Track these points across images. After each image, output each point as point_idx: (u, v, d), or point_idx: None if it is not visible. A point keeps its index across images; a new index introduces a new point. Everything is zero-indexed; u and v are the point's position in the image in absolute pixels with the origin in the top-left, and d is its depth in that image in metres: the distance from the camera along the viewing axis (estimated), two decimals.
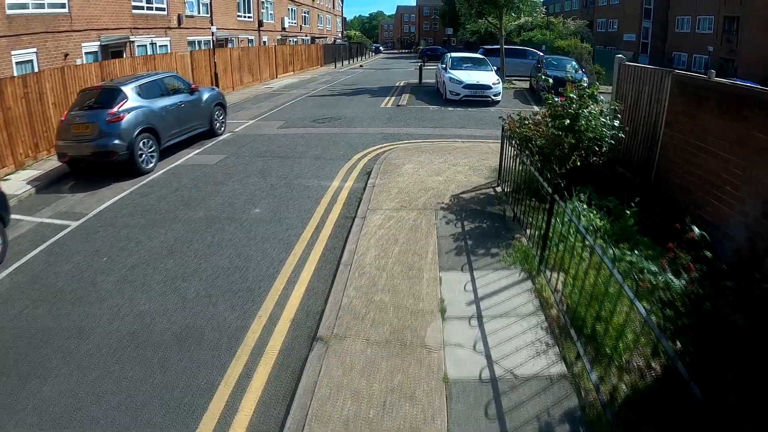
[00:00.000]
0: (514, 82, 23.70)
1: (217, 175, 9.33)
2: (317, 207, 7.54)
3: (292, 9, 42.21)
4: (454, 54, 20.68)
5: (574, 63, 19.54)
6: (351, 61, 49.85)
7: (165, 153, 10.55)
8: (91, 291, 5.36)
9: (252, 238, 6.57)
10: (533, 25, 38.15)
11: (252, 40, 33.12)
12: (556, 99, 6.57)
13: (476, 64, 18.85)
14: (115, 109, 9.20)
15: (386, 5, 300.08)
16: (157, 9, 20.99)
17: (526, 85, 22.58)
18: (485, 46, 29.54)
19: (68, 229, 7.05)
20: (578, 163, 6.22)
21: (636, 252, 4.85)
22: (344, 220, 6.99)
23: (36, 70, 13.48)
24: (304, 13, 46.80)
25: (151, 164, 9.77)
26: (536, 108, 17.72)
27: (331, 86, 24.96)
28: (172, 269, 5.76)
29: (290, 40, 40.99)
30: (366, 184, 8.30)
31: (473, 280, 5.06)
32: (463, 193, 7.63)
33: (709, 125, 5.62)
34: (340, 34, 66.75)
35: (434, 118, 14.65)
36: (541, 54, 26.23)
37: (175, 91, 11.15)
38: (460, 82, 16.96)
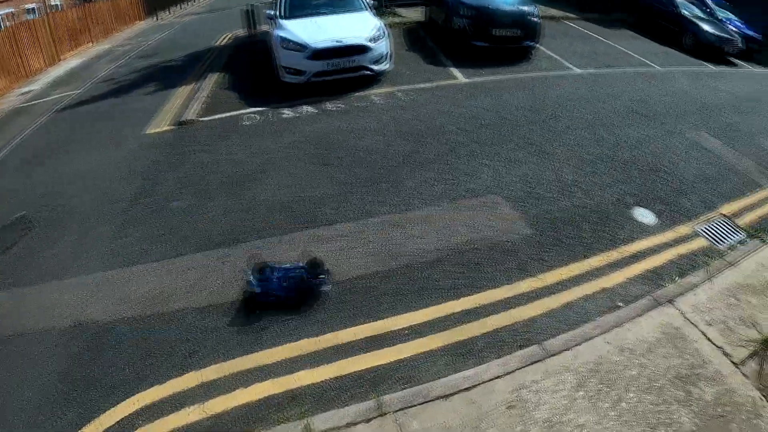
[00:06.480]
0: (397, 11, 15.71)
1: None
2: None
3: None
4: None
5: None
6: (192, 2, 38.05)
7: None
8: None
9: None
10: None
11: (33, 9, 22.34)
12: None
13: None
14: None
15: None
16: None
17: (419, 15, 14.75)
18: None
19: None
20: None
21: None
22: None
23: None
24: None
25: None
26: (458, 75, 9.43)
27: (116, 68, 14.48)
28: None
29: None
30: None
31: None
32: None
33: None
34: None
35: (241, 174, 6.48)
36: None
37: None
38: (304, 47, 8.55)
